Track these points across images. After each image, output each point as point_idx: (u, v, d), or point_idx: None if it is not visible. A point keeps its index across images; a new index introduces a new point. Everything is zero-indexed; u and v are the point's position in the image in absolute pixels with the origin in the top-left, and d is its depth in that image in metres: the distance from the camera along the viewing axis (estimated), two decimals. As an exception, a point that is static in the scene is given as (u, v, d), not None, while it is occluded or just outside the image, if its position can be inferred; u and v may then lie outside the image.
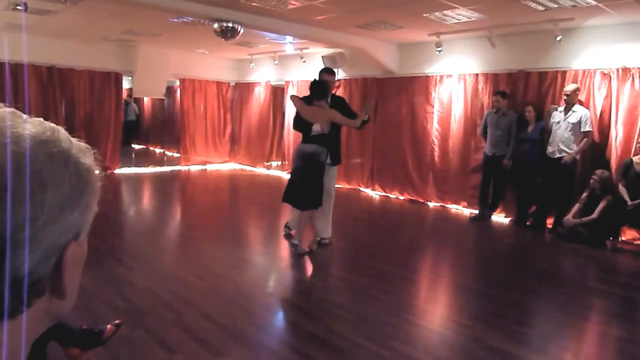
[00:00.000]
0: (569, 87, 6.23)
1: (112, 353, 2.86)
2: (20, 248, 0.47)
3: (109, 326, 2.32)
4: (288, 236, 5.69)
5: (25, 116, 0.52)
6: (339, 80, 9.58)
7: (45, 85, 9.38)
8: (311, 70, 10.03)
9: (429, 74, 8.16)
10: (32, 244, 0.47)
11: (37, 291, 0.50)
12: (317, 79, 5.38)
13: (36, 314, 0.51)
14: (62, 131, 0.54)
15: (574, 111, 6.16)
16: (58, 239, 0.50)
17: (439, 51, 7.47)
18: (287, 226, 5.85)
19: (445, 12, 5.98)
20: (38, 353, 1.97)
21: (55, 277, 0.51)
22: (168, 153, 13.47)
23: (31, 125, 0.51)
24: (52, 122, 0.55)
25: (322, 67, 8.85)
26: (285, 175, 10.69)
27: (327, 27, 7.18)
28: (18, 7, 6.50)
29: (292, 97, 5.46)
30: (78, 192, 0.52)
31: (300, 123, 5.27)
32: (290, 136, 10.75)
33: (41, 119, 0.53)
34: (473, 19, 6.24)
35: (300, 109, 5.27)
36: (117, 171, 10.37)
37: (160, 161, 12.54)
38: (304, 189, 5.05)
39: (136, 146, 14.58)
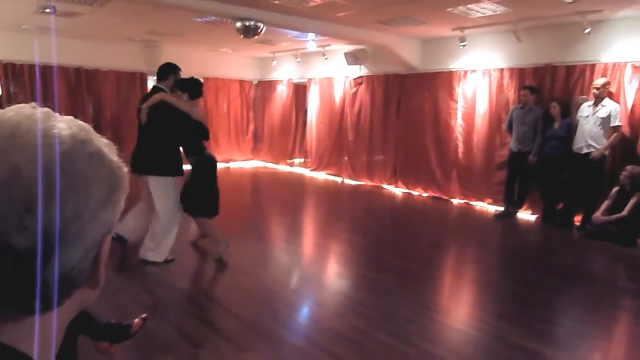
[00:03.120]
0: (599, 81, 6.08)
1: (139, 346, 2.92)
2: (68, 244, 0.49)
3: (136, 320, 2.36)
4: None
5: (56, 115, 0.54)
6: (360, 77, 9.57)
7: (73, 86, 9.60)
8: (333, 68, 10.04)
9: (452, 70, 8.07)
10: (78, 240, 0.50)
11: (79, 283, 0.53)
12: (186, 77, 4.77)
13: (72, 303, 0.55)
14: (91, 129, 0.56)
15: (603, 105, 6.01)
16: (97, 234, 0.53)
17: (463, 46, 7.38)
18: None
19: (469, 6, 5.90)
20: (70, 346, 2.02)
21: (93, 269, 0.54)
22: (192, 151, 13.61)
23: (65, 125, 0.53)
24: None
25: (347, 61, 8.72)
26: (308, 173, 10.72)
27: (349, 23, 7.16)
28: (47, 10, 6.67)
29: (166, 96, 4.52)
30: (113, 189, 0.55)
31: (193, 127, 4.56)
32: (313, 133, 10.77)
33: (71, 117, 0.55)
34: (498, 12, 6.13)
35: (191, 111, 4.52)
36: (142, 169, 10.53)
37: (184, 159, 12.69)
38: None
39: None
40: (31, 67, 8.93)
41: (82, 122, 0.56)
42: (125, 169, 0.58)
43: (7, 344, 0.49)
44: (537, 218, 6.91)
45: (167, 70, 4.70)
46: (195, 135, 4.62)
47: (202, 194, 4.66)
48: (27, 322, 0.50)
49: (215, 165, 4.78)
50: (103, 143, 0.56)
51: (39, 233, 0.47)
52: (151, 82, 11.70)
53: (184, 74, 4.89)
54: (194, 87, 4.64)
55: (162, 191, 4.51)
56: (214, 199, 4.73)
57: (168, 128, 4.49)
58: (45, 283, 0.49)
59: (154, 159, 4.50)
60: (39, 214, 0.47)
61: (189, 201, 4.64)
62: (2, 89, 8.81)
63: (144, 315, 2.43)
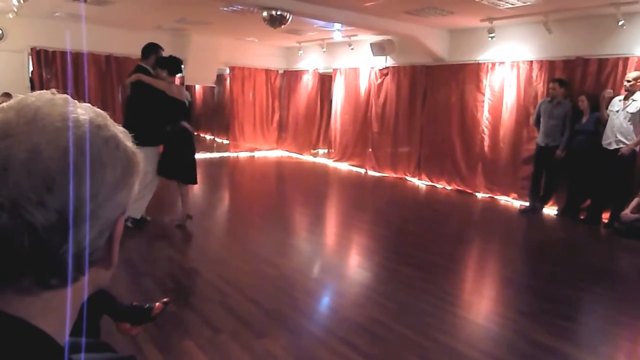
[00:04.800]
0: (631, 75, 5.89)
1: (161, 328, 2.99)
2: (83, 223, 0.52)
3: (157, 304, 2.42)
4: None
5: (75, 101, 0.57)
6: (386, 68, 9.48)
7: (104, 73, 9.79)
8: (359, 58, 9.98)
9: (480, 61, 7.93)
10: (93, 219, 0.53)
11: (92, 262, 0.55)
12: (167, 55, 5.20)
13: (87, 282, 0.57)
14: (108, 116, 0.59)
15: (634, 100, 5.83)
16: (112, 215, 0.55)
17: (492, 37, 7.24)
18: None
19: (498, -4, 5.79)
20: (93, 325, 2.09)
21: (106, 249, 0.57)
22: (218, 140, 13.77)
23: (84, 111, 0.55)
24: (109, 108, 0.60)
25: (373, 52, 8.69)
26: (332, 163, 10.73)
27: (376, 13, 7.09)
28: (78, -2, 6.80)
29: (142, 76, 4.94)
30: (127, 173, 0.57)
31: (169, 103, 4.95)
32: (337, 124, 10.74)
33: (89, 105, 0.58)
34: (528, 3, 5.99)
35: (166, 88, 4.94)
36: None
37: (210, 147, 12.85)
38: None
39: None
40: (63, 54, 9.13)
41: (99, 109, 0.58)
42: (140, 155, 0.60)
43: (22, 318, 0.51)
44: (557, 211, 6.76)
45: (149, 50, 5.17)
46: (171, 110, 5.00)
47: (181, 161, 5.07)
48: (42, 297, 0.53)
49: (190, 135, 5.21)
50: (119, 130, 0.58)
51: (70, 207, 0.50)
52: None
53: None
54: (171, 65, 5.04)
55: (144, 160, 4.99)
56: (194, 167, 5.19)
57: (145, 104, 4.94)
58: (63, 259, 0.51)
59: (135, 131, 4.88)
60: (70, 187, 0.50)
61: (171, 168, 5.07)
62: (34, 75, 9.04)
63: (165, 300, 2.49)
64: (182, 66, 5.17)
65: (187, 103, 5.14)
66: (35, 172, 0.49)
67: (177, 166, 5.12)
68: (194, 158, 5.30)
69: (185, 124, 5.14)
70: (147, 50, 5.17)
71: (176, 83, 5.25)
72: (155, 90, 4.92)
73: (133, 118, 4.92)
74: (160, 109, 4.94)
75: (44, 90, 0.56)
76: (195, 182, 5.36)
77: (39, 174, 0.49)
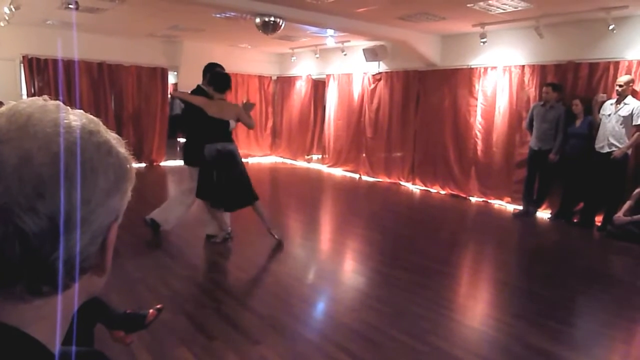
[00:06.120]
0: (623, 78, 5.95)
1: (155, 336, 2.97)
2: (74, 229, 0.51)
3: (151, 311, 2.41)
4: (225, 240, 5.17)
5: (67, 107, 0.56)
6: (379, 73, 9.52)
7: (96, 80, 9.75)
8: (352, 64, 10.02)
9: (472, 66, 7.98)
10: (85, 225, 0.52)
11: (84, 269, 0.55)
12: (218, 70, 5.05)
13: (80, 289, 0.57)
14: (100, 123, 0.58)
15: (625, 104, 5.89)
16: (104, 221, 0.55)
17: (484, 42, 7.29)
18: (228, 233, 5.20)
19: (490, 1, 5.83)
20: (86, 334, 2.07)
21: (99, 255, 0.56)
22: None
23: (76, 117, 0.55)
24: (102, 116, 0.59)
25: (366, 58, 8.75)
26: (326, 169, 10.72)
27: (368, 19, 7.13)
28: (70, 6, 6.78)
29: (181, 93, 4.89)
30: (120, 179, 0.57)
31: (202, 120, 4.74)
32: (331, 130, 10.76)
33: (82, 111, 0.57)
34: (520, 8, 6.04)
35: (205, 105, 4.74)
36: (162, 163, 10.68)
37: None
38: (246, 183, 5.03)
39: (181, 139, 14.94)
40: (55, 61, 9.10)
41: (91, 116, 0.58)
42: (132, 162, 0.60)
43: (13, 325, 0.51)
44: (550, 214, 6.79)
45: (205, 70, 5.23)
46: (206, 128, 4.78)
47: (207, 184, 4.85)
48: (34, 304, 0.52)
49: (222, 157, 4.83)
50: (112, 136, 0.58)
51: (61, 213, 0.49)
52: (172, 77, 11.89)
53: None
54: (215, 81, 4.90)
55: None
56: (222, 191, 4.85)
57: (188, 122, 5.02)
58: (54, 266, 0.51)
59: (189, 151, 5.10)
60: (61, 193, 0.49)
61: (198, 188, 4.92)
62: (26, 83, 9.00)
63: (158, 306, 2.47)
64: (229, 82, 4.97)
65: (232, 122, 4.88)
66: (26, 178, 0.49)
67: (209, 190, 4.85)
68: (230, 182, 4.93)
69: (220, 145, 4.83)
70: (204, 70, 5.22)
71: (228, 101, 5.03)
72: (194, 107, 4.78)
73: (186, 137, 5.16)
74: (199, 127, 4.79)
75: (36, 97, 0.56)
76: (221, 207, 4.99)
77: (30, 179, 0.49)
